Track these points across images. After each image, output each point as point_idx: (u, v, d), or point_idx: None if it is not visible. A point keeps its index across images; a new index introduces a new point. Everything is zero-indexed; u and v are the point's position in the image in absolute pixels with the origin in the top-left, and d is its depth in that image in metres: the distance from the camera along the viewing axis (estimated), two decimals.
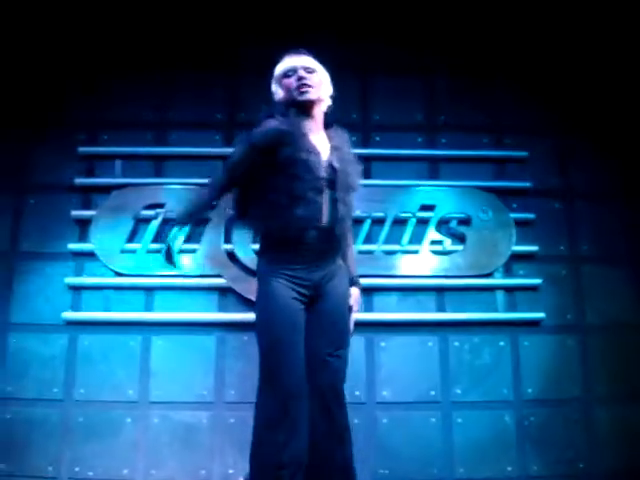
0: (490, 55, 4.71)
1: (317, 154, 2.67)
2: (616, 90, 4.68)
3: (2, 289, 4.22)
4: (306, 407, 2.61)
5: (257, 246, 2.98)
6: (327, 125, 2.85)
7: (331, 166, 2.70)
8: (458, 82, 4.66)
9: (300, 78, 2.69)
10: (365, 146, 4.44)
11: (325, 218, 2.67)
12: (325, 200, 2.67)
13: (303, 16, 4.59)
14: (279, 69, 2.80)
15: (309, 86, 2.69)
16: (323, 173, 2.66)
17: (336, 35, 4.60)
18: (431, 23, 4.71)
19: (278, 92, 2.81)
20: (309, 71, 2.73)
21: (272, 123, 2.67)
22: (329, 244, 2.72)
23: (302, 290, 2.68)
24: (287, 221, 2.61)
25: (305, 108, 2.73)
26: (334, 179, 2.69)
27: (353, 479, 2.75)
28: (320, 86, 2.75)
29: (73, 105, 4.53)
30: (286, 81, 2.74)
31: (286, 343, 2.60)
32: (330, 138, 2.80)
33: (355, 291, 2.96)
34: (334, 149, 2.76)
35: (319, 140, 2.75)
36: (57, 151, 4.43)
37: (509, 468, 4.03)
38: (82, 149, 4.41)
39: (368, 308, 4.21)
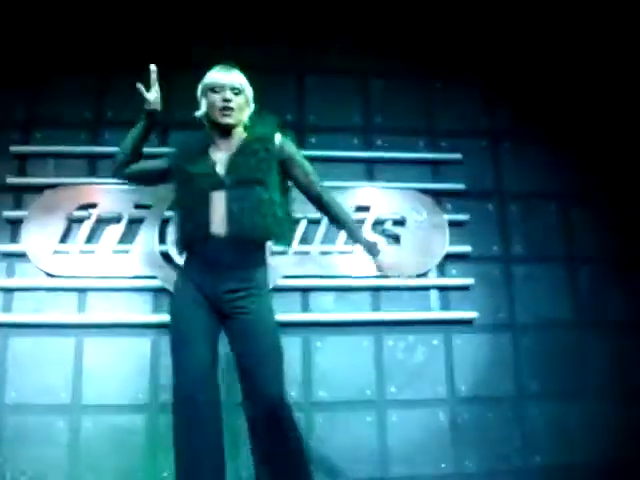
0: (425, 57, 4.78)
1: (210, 163, 2.78)
2: (547, 93, 4.81)
3: None
4: (205, 407, 2.75)
5: None
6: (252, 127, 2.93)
7: (227, 168, 2.76)
8: (394, 84, 4.71)
9: (225, 100, 2.76)
10: (301, 147, 4.43)
11: (218, 225, 2.69)
12: (217, 208, 2.70)
13: (237, 17, 4.59)
14: (207, 80, 2.83)
15: (231, 110, 2.76)
16: (212, 180, 2.73)
17: (272, 36, 4.61)
18: (366, 25, 4.75)
19: (202, 103, 2.86)
20: (235, 92, 2.79)
21: (177, 145, 2.97)
22: (235, 253, 2.72)
23: (207, 299, 2.77)
24: (181, 232, 2.83)
25: (221, 129, 2.83)
26: (224, 182, 2.74)
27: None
28: (243, 109, 2.84)
29: (5, 103, 4.42)
30: (211, 96, 2.79)
31: (182, 343, 2.76)
32: (241, 142, 2.84)
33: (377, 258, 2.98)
34: (239, 151, 2.80)
35: (224, 148, 2.83)
36: None
37: (443, 465, 4.11)
38: (14, 148, 4.32)
39: (304, 308, 4.25)
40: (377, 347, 4.25)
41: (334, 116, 4.60)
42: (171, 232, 4.10)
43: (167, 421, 3.88)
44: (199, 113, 2.87)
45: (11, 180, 4.26)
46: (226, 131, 2.83)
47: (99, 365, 4.04)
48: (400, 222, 4.41)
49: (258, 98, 2.99)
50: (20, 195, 4.30)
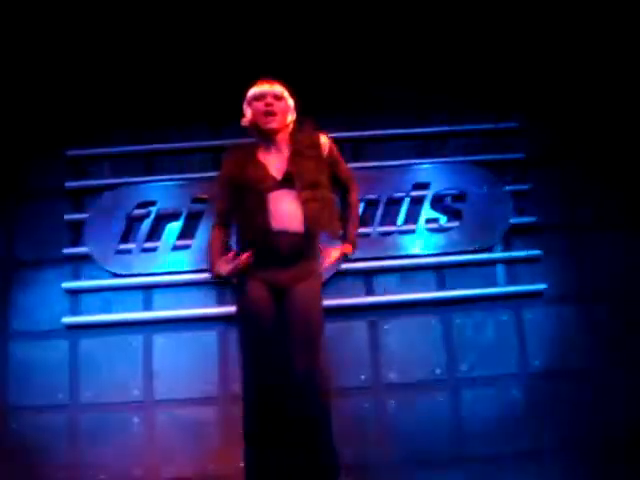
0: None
1: (262, 168, 2.96)
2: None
3: (1, 298, 4.20)
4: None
5: None
6: (295, 134, 3.11)
7: (286, 171, 2.95)
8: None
9: (267, 105, 2.97)
10: (355, 129, 4.42)
11: (288, 219, 2.89)
12: (284, 203, 2.90)
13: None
14: (251, 92, 3.05)
15: (274, 114, 2.97)
16: (266, 184, 2.92)
17: None
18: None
19: (247, 113, 3.06)
20: (277, 98, 3.00)
21: (227, 159, 3.14)
22: (297, 247, 2.92)
23: (272, 289, 2.93)
24: (247, 232, 3.00)
25: (268, 134, 3.01)
26: (290, 181, 2.93)
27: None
28: (285, 113, 3.03)
29: (59, 107, 4.47)
30: (255, 104, 3.01)
31: (256, 338, 2.90)
32: (294, 146, 3.04)
33: (335, 251, 3.10)
34: (293, 154, 3.00)
35: (275, 153, 3.02)
36: (45, 155, 4.40)
37: (520, 442, 4.00)
38: (70, 152, 4.38)
39: (368, 291, 4.20)
40: (445, 326, 4.18)
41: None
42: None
43: (238, 412, 3.97)
44: (245, 121, 3.07)
45: (70, 184, 4.33)
46: (272, 136, 3.02)
47: (168, 360, 4.09)
48: (460, 197, 4.31)
49: None
50: (79, 199, 4.37)
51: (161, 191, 4.28)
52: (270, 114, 2.96)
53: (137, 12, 4.22)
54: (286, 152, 3.02)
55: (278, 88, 3.03)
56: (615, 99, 4.54)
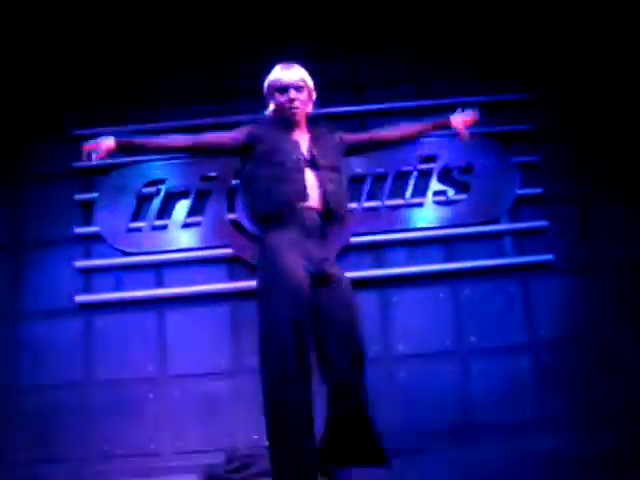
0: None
1: (294, 143, 2.94)
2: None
3: (13, 279, 4.25)
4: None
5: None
6: (310, 124, 3.10)
7: (310, 152, 2.94)
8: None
9: (291, 100, 2.95)
10: (358, 103, 4.44)
11: (312, 196, 2.86)
12: (309, 180, 2.88)
13: None
14: (272, 79, 3.02)
15: (297, 108, 2.97)
16: (301, 157, 2.91)
17: None
18: None
19: (270, 105, 3.06)
20: (299, 90, 2.98)
21: (255, 126, 3.03)
22: (325, 225, 2.92)
23: (308, 262, 2.81)
24: (275, 198, 2.85)
25: (290, 123, 3.01)
26: (314, 161, 2.92)
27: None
28: (307, 102, 3.04)
29: (65, 87, 4.48)
30: (278, 97, 2.99)
31: (292, 308, 2.69)
32: (311, 132, 3.05)
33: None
34: (314, 139, 3.01)
35: (298, 135, 3.01)
36: (53, 136, 4.41)
37: (529, 411, 4.07)
38: (77, 131, 4.36)
39: (378, 264, 4.24)
40: (454, 298, 4.22)
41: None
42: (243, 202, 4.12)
43: (252, 386, 4.02)
44: (268, 112, 3.07)
45: (78, 164, 4.32)
46: (294, 124, 3.01)
47: (181, 336, 4.14)
48: (468, 169, 4.33)
49: None
50: (88, 178, 4.40)
51: (170, 169, 4.30)
52: (293, 108, 2.96)
53: None
54: (307, 135, 3.03)
55: (298, 76, 3.00)
56: (624, 73, 4.52)
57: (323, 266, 2.86)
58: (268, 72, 3.02)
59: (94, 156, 2.83)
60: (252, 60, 3.22)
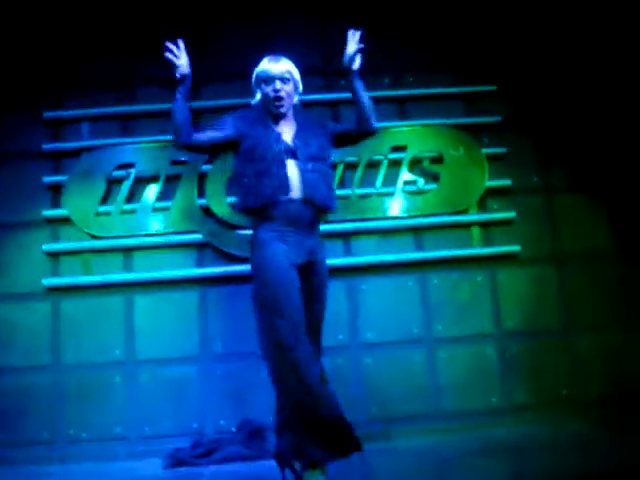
0: None
1: (277, 134, 3.03)
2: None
3: None
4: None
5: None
6: (299, 114, 3.20)
7: (293, 142, 3.03)
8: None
9: (276, 90, 3.04)
10: (330, 90, 4.45)
11: (294, 187, 2.95)
12: (291, 171, 2.96)
13: None
14: (259, 71, 3.10)
15: (282, 99, 3.05)
16: (283, 149, 2.99)
17: None
18: None
19: (256, 94, 3.15)
20: (285, 82, 3.06)
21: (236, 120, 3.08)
22: (310, 214, 2.99)
23: (295, 254, 2.95)
24: (258, 193, 2.95)
25: (277, 112, 3.09)
26: (295, 152, 3.01)
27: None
28: (292, 94, 3.12)
29: (37, 70, 4.42)
30: (264, 87, 3.08)
31: (282, 296, 2.84)
32: (297, 122, 3.14)
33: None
34: (299, 129, 3.09)
35: (283, 125, 3.10)
36: (23, 117, 4.36)
37: (494, 399, 4.13)
38: (48, 114, 4.35)
39: (347, 252, 4.27)
40: (422, 286, 4.26)
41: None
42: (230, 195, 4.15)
43: (220, 370, 4.06)
44: (254, 102, 3.16)
45: (47, 146, 4.31)
46: (279, 115, 3.09)
47: (149, 321, 4.14)
48: (437, 159, 4.35)
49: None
50: (58, 161, 4.36)
51: (140, 153, 4.27)
52: (278, 99, 3.05)
53: None
54: (293, 125, 3.11)
55: (285, 68, 3.07)
56: (590, 64, 4.57)
57: (311, 254, 3.00)
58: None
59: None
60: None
